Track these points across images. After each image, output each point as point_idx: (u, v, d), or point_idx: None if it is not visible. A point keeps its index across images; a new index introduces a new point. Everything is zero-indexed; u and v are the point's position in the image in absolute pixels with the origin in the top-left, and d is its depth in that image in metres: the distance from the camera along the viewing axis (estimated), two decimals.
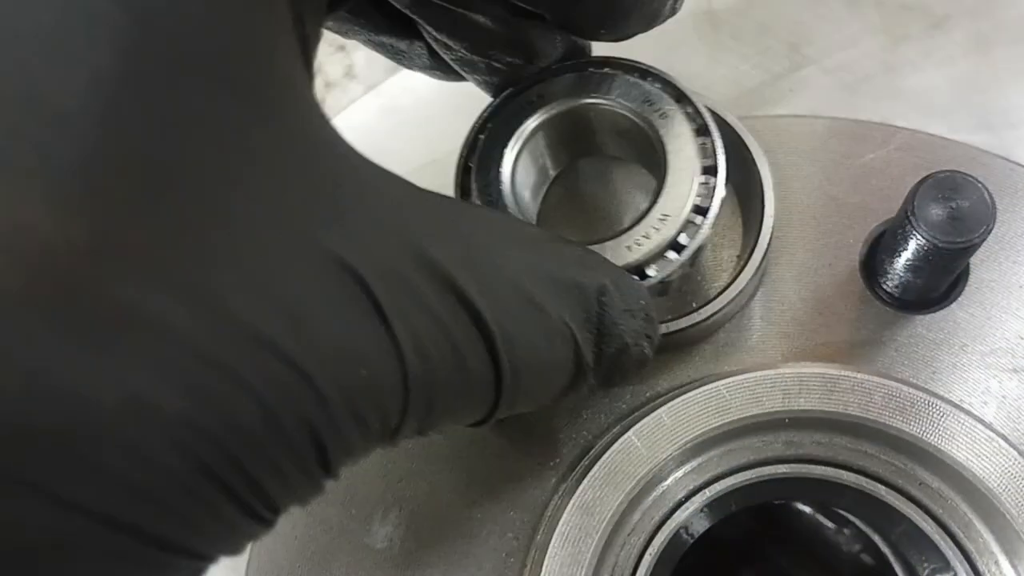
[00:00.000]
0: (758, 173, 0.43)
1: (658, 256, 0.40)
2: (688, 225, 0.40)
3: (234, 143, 0.25)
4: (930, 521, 0.39)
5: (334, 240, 0.26)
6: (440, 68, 0.45)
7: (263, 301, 0.25)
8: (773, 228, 0.44)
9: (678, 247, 0.40)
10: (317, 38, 0.31)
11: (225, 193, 0.24)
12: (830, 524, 0.55)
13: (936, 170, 0.41)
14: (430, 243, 0.29)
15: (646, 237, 0.40)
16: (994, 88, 0.60)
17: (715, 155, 0.41)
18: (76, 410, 0.22)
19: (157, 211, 0.23)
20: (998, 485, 0.37)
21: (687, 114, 0.42)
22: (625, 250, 0.40)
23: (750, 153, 0.44)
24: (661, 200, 0.40)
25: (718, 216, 0.40)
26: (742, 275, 0.44)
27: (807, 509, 0.55)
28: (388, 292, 0.27)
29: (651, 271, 0.40)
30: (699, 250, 0.40)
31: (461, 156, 0.43)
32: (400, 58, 0.46)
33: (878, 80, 0.61)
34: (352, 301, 0.27)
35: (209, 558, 0.26)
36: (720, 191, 0.40)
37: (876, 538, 0.49)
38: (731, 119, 0.45)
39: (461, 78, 0.45)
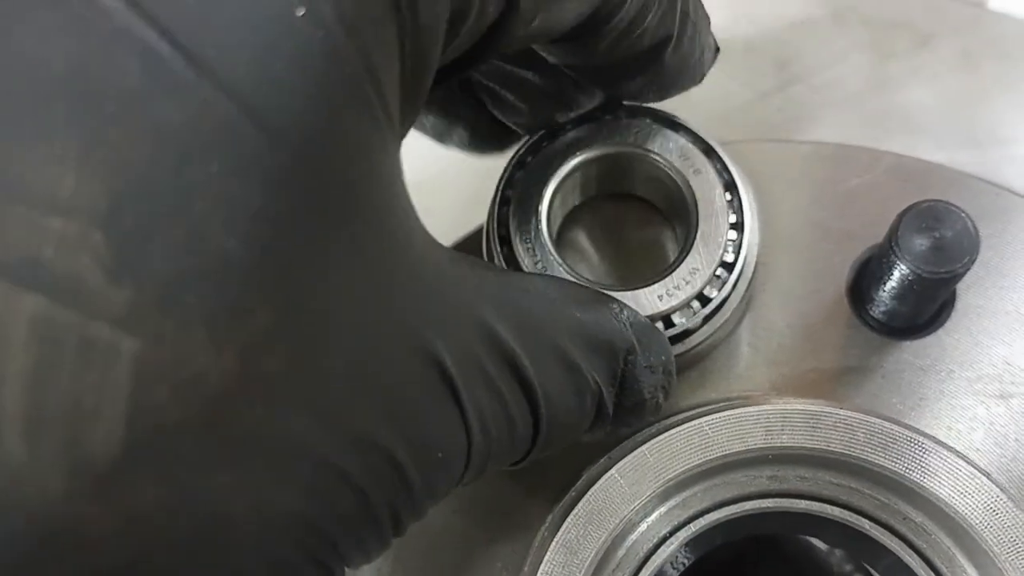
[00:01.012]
0: (740, 201, 0.44)
1: (685, 306, 0.42)
2: (714, 279, 0.42)
3: (355, 261, 0.27)
4: (914, 555, 0.39)
5: (422, 332, 0.29)
6: (477, 146, 0.48)
7: (371, 403, 0.27)
8: (757, 256, 0.44)
9: (704, 299, 0.42)
10: (406, 133, 0.33)
11: (346, 311, 0.27)
12: (822, 546, 0.55)
13: (923, 196, 0.41)
14: (492, 317, 0.32)
15: (676, 288, 0.42)
16: (981, 105, 0.60)
17: (741, 211, 0.43)
18: (217, 523, 0.25)
19: (291, 337, 0.25)
20: (980, 521, 0.37)
21: (716, 169, 0.44)
22: (656, 299, 0.42)
23: (736, 181, 0.44)
24: (691, 255, 0.43)
25: (743, 270, 0.43)
26: (727, 303, 0.44)
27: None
28: (464, 377, 0.30)
29: (677, 319, 0.42)
30: (724, 301, 0.43)
31: (498, 188, 0.45)
32: (441, 137, 0.48)
33: (865, 97, 0.61)
34: (436, 389, 0.29)
35: None
36: (745, 247, 0.43)
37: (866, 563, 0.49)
38: (718, 146, 0.45)
39: (497, 151, 0.48)
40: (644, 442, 0.39)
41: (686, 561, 0.42)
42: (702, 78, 0.45)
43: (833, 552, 0.56)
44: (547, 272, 0.43)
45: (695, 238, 0.43)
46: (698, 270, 0.42)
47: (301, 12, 0.24)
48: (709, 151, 0.44)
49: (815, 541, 0.56)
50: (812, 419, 0.39)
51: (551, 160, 0.45)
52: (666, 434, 0.39)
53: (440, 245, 0.33)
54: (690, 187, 0.44)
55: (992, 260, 0.47)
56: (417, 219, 0.31)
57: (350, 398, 0.27)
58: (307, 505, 0.26)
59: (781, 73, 0.62)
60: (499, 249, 0.44)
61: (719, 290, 0.42)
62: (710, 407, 0.41)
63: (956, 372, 0.45)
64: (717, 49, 0.46)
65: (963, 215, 0.40)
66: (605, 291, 0.42)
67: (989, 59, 0.60)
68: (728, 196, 0.44)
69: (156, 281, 0.22)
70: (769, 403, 0.40)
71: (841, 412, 0.39)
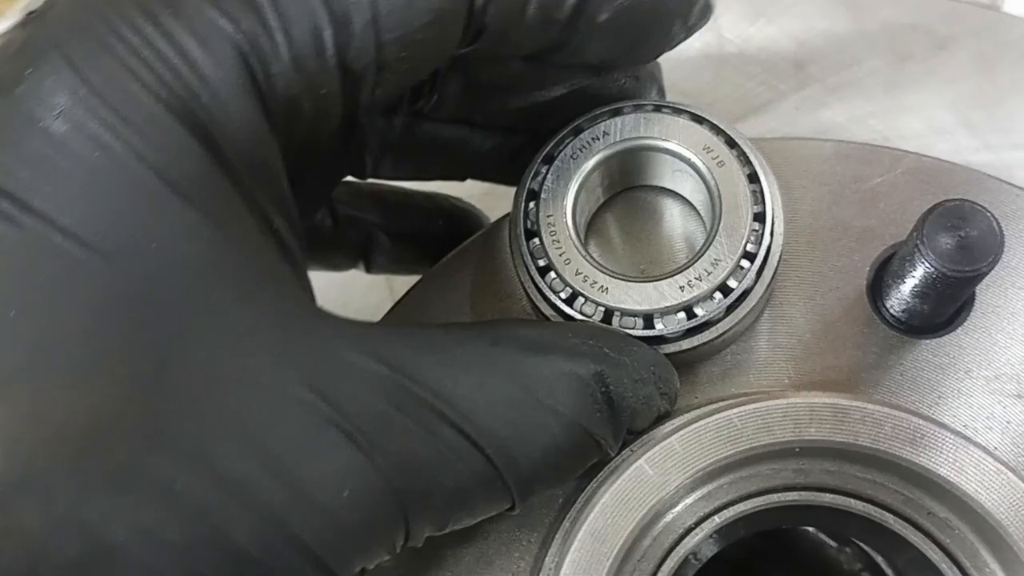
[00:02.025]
0: (763, 192, 0.44)
1: (707, 297, 0.42)
2: (737, 269, 0.43)
3: (217, 329, 0.32)
4: (937, 550, 0.40)
5: (306, 392, 0.32)
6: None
7: (242, 448, 0.31)
8: (783, 248, 0.44)
9: (726, 290, 0.43)
10: (291, 221, 0.37)
11: (198, 374, 0.31)
12: (832, 543, 0.55)
13: (944, 196, 0.42)
14: (410, 373, 0.34)
15: (698, 279, 0.42)
16: (996, 108, 0.60)
17: (764, 202, 0.43)
18: (102, 546, 0.30)
19: (141, 394, 0.31)
20: (1005, 517, 0.38)
21: (740, 161, 0.44)
22: (679, 290, 0.42)
23: (758, 173, 0.44)
24: (714, 245, 0.43)
25: (766, 261, 0.43)
26: (750, 294, 0.44)
27: (809, 528, 0.56)
28: (362, 425, 0.33)
29: (699, 310, 0.42)
30: (745, 292, 0.43)
31: (524, 182, 0.45)
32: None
33: (881, 99, 0.61)
34: (324, 436, 0.32)
35: None
36: (768, 238, 0.43)
37: (879, 559, 0.49)
38: (739, 138, 0.45)
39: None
40: (673, 432, 0.40)
41: (709, 552, 0.42)
42: (687, 31, 0.44)
43: (843, 550, 0.56)
44: (571, 264, 0.43)
45: (718, 228, 0.43)
46: (720, 261, 0.43)
47: (97, 153, 0.31)
48: (732, 143, 0.45)
49: (825, 538, 0.56)
50: (840, 413, 0.39)
51: (576, 155, 0.45)
52: (695, 425, 0.39)
53: (346, 319, 0.36)
54: (713, 178, 0.44)
55: (1011, 261, 0.47)
56: (306, 299, 0.36)
57: (219, 443, 0.31)
58: (190, 539, 0.30)
59: (799, 73, 0.62)
60: (525, 242, 0.44)
61: (741, 281, 0.43)
62: (738, 399, 0.41)
63: (974, 371, 0.46)
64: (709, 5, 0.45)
65: (988, 214, 0.40)
66: (626, 280, 0.43)
67: (1005, 62, 0.61)
68: (751, 187, 0.44)
69: (14, 363, 0.30)
70: (797, 396, 0.40)
71: (869, 406, 0.39)
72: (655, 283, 0.43)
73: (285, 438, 0.32)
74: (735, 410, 0.39)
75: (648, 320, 0.43)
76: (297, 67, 0.34)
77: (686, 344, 0.43)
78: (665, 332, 0.42)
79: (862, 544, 0.49)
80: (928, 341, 0.46)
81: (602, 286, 0.43)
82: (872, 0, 0.64)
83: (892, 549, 0.42)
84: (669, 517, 0.41)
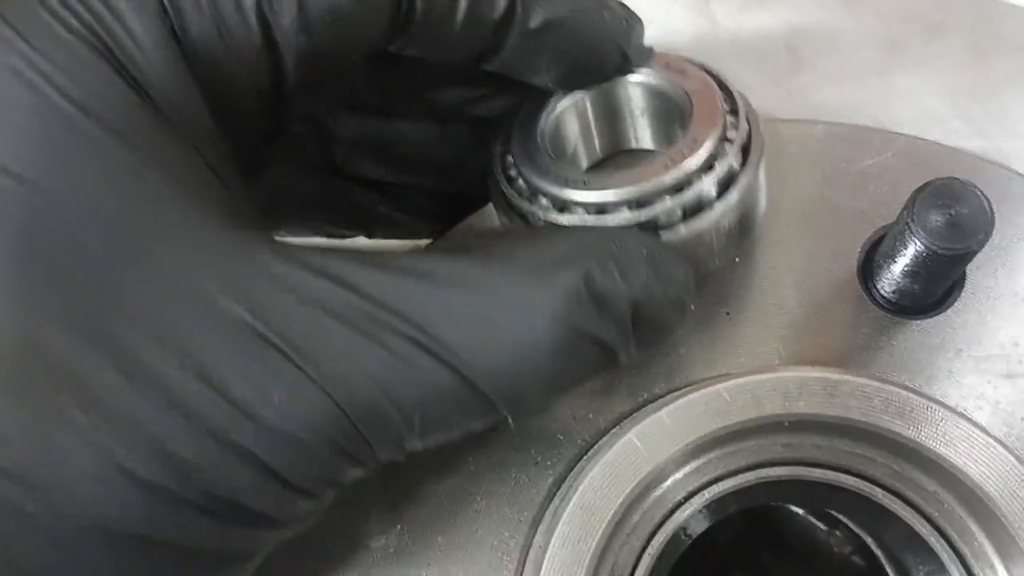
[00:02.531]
0: (730, 90, 0.45)
1: (694, 174, 0.41)
2: (719, 148, 0.42)
3: (146, 249, 0.32)
4: (926, 524, 0.40)
5: (234, 305, 0.32)
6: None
7: (174, 360, 0.31)
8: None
9: (712, 166, 0.42)
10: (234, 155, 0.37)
11: (120, 291, 0.32)
12: (822, 526, 0.55)
13: (934, 177, 0.42)
14: (352, 284, 0.33)
15: (682, 155, 0.41)
16: (990, 98, 0.60)
17: (734, 100, 0.44)
18: (51, 452, 0.30)
19: (64, 309, 0.31)
20: (995, 490, 0.38)
21: (700, 68, 0.45)
22: (663, 168, 0.41)
23: (724, 80, 0.45)
24: (692, 126, 0.42)
25: (748, 144, 0.43)
26: (740, 178, 0.43)
27: (799, 511, 0.56)
28: (294, 337, 0.32)
29: (689, 191, 0.41)
30: (732, 174, 0.42)
31: (495, 149, 0.45)
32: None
33: (875, 87, 0.61)
34: (252, 348, 0.32)
35: None
36: (743, 125, 0.43)
37: (868, 540, 0.49)
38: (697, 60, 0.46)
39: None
40: (663, 407, 0.40)
41: (699, 528, 0.42)
42: (626, 62, 0.45)
43: (833, 533, 0.56)
44: (551, 176, 0.43)
45: (692, 115, 0.43)
46: (699, 139, 0.42)
47: (22, 90, 0.32)
48: (691, 61, 0.46)
49: (815, 521, 0.56)
50: (830, 386, 0.39)
51: (538, 108, 0.46)
52: (684, 399, 0.39)
53: (282, 240, 0.35)
54: (680, 85, 0.45)
55: (1002, 242, 0.47)
56: (230, 211, 0.35)
57: (150, 357, 0.31)
58: (134, 452, 0.31)
59: (792, 59, 0.62)
60: (509, 187, 0.44)
61: (725, 157, 0.42)
62: (727, 374, 0.41)
63: (964, 351, 0.46)
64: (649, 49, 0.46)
65: (979, 193, 0.41)
66: (610, 171, 0.43)
67: (999, 51, 0.61)
68: (719, 89, 0.44)
69: None
70: (787, 370, 0.40)
71: (859, 380, 0.39)
72: (639, 168, 0.42)
73: (214, 351, 0.32)
74: (725, 384, 0.39)
75: (640, 204, 0.41)
76: (216, 19, 0.35)
77: (684, 230, 0.42)
78: (659, 215, 0.41)
79: (851, 524, 0.49)
80: (918, 322, 0.47)
81: (586, 181, 0.42)
82: None
83: (881, 525, 0.42)
84: (659, 491, 0.41)
